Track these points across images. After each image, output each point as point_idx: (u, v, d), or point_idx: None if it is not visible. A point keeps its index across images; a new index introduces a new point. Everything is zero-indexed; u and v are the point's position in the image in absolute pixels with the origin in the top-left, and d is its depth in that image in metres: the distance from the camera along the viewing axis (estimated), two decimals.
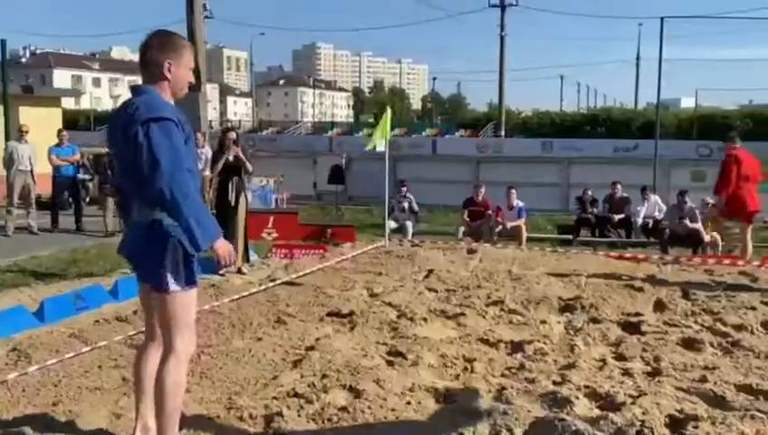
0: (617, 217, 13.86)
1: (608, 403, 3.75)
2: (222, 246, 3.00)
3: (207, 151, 15.19)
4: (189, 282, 2.99)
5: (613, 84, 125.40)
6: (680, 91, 76.86)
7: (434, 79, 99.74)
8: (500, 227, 12.86)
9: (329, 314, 5.56)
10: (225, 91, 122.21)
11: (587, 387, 3.95)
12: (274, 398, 3.84)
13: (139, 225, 2.99)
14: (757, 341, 4.93)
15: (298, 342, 4.81)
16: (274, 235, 12.55)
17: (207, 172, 15.13)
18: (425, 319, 5.38)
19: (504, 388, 4.02)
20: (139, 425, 3.19)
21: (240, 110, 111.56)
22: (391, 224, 13.45)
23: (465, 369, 4.39)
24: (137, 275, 3.21)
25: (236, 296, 6.18)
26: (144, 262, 3.04)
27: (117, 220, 12.37)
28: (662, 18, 15.97)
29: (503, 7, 42.73)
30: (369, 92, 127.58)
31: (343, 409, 3.66)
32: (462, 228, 13.19)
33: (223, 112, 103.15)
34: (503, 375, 4.31)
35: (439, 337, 4.99)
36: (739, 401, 3.74)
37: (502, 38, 42.53)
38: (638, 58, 61.73)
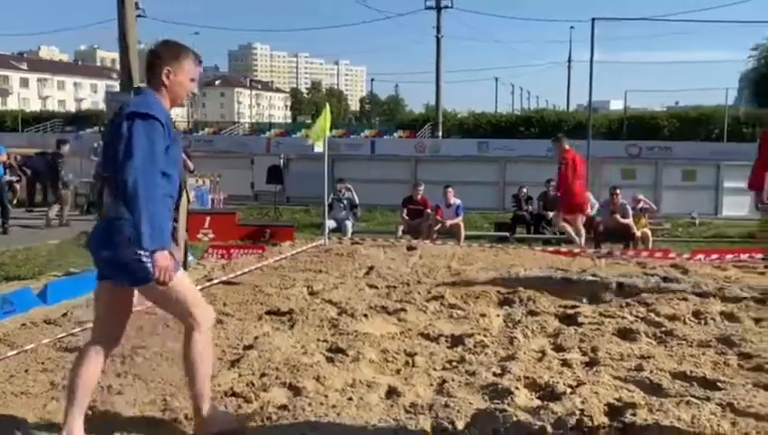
0: (551, 214, 14.14)
1: (548, 393, 3.78)
2: (162, 258, 2.94)
3: None
4: (174, 269, 3.01)
5: (546, 86, 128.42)
6: (610, 93, 79.40)
7: (372, 80, 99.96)
8: (439, 225, 12.96)
9: (268, 313, 5.45)
10: None
11: (527, 378, 3.98)
12: (211, 398, 3.72)
13: (111, 221, 3.01)
14: (690, 330, 5.06)
15: (236, 341, 4.70)
16: (211, 236, 12.31)
17: None
18: (365, 315, 5.33)
19: (445, 381, 4.01)
20: (64, 431, 3.06)
21: (175, 111, 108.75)
22: (330, 223, 13.37)
23: (407, 363, 4.36)
24: (100, 272, 3.15)
25: None
26: (117, 258, 3.01)
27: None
28: (593, 20, 16.37)
29: (438, 9, 43.13)
30: (307, 93, 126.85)
31: (283, 407, 3.58)
32: (401, 227, 13.23)
33: None
34: (444, 368, 4.30)
35: (380, 333, 4.95)
36: (675, 387, 3.82)
37: (438, 40, 42.93)
38: (569, 60, 63.23)
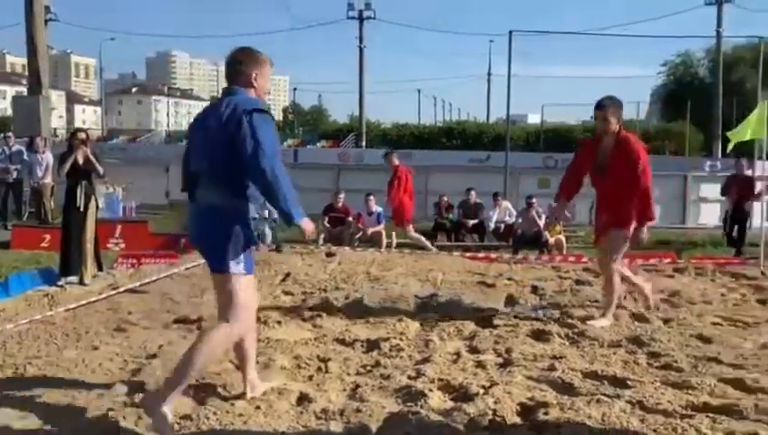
0: (471, 222, 14.31)
1: (461, 395, 3.73)
2: (308, 223, 3.38)
3: (48, 158, 14.17)
4: (248, 269, 3.42)
5: (468, 99, 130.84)
6: (528, 106, 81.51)
7: (294, 89, 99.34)
8: (360, 233, 12.91)
9: (175, 321, 5.22)
10: (73, 98, 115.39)
11: (441, 380, 3.92)
12: (110, 409, 3.49)
13: (204, 208, 3.36)
14: (601, 331, 5.13)
15: (139, 350, 4.45)
16: (122, 245, 11.84)
17: (48, 179, 14.20)
18: (279, 322, 5.17)
19: (358, 386, 3.90)
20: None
21: (89, 118, 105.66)
22: None
23: (320, 369, 4.23)
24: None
25: (73, 305, 5.67)
26: (207, 244, 3.44)
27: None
28: (510, 32, 16.70)
29: (361, 19, 43.30)
30: None
31: (186, 417, 3.39)
32: (322, 235, 13.09)
33: (70, 121, 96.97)
34: (358, 373, 4.19)
35: (294, 339, 4.80)
36: (586, 386, 3.83)
37: (361, 50, 43.08)
38: (489, 74, 64.63)
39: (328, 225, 13.15)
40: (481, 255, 9.20)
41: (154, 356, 4.30)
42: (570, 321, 5.39)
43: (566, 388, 3.84)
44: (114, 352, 4.38)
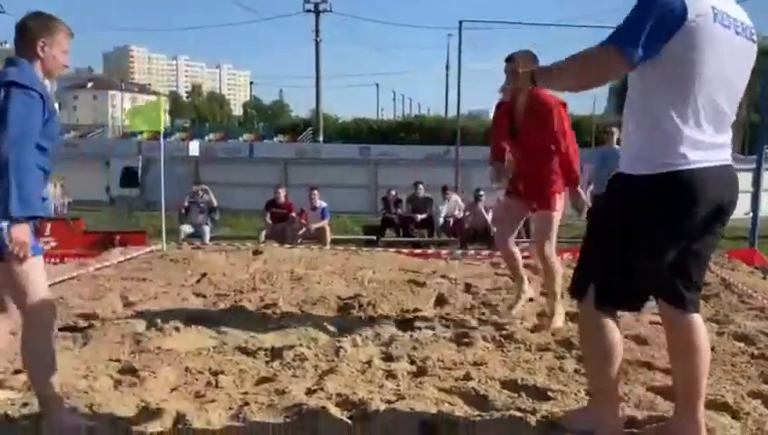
0: (420, 216, 13.95)
1: (360, 412, 3.28)
2: (19, 231, 2.86)
3: None
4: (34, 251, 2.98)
5: (426, 93, 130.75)
6: (490, 101, 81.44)
7: (251, 83, 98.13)
8: (303, 229, 12.46)
9: (62, 329, 4.66)
10: None
11: (339, 395, 3.47)
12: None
13: None
14: (530, 333, 4.74)
15: (6, 363, 3.91)
16: (53, 244, 11.19)
17: None
18: (177, 328, 4.66)
19: (246, 404, 3.43)
20: None
21: None
22: (186, 228, 12.56)
23: (209, 384, 3.75)
24: None
25: None
26: None
27: None
28: (460, 22, 16.38)
29: (317, 12, 42.72)
30: (187, 97, 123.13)
31: None
32: (264, 231, 12.62)
33: None
34: (251, 389, 3.72)
35: (188, 349, 4.30)
36: (501, 399, 3.41)
37: (317, 43, 42.49)
38: (447, 68, 64.39)
39: (270, 221, 12.68)
40: (418, 251, 8.77)
41: (19, 371, 3.75)
42: (500, 322, 5.00)
43: (479, 400, 3.42)
44: None
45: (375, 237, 13.54)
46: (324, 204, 12.70)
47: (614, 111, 49.43)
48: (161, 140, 9.33)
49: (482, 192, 12.65)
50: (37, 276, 3.03)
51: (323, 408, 3.26)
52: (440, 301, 5.74)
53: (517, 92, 4.65)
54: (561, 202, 4.86)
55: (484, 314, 5.30)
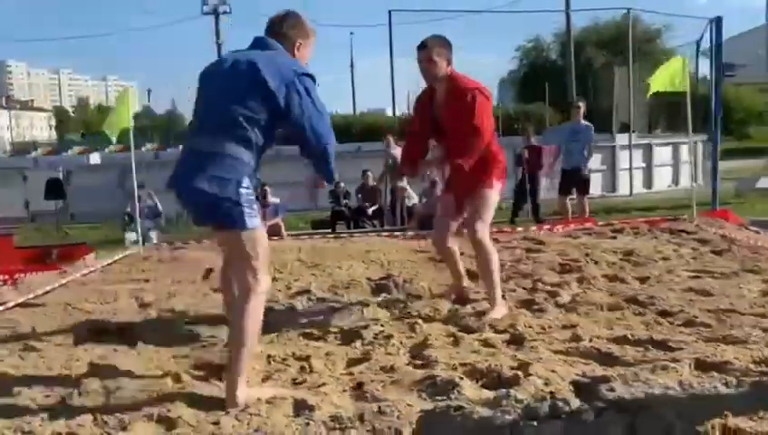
0: (371, 208, 13.74)
1: (496, 380, 3.06)
2: None
3: None
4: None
5: (331, 93, 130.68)
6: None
7: (149, 91, 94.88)
8: None
9: (95, 333, 4.18)
10: None
11: (464, 365, 3.24)
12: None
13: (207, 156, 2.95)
14: (592, 294, 4.66)
15: (63, 370, 3.44)
16: None
17: None
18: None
19: (361, 383, 3.14)
20: None
21: None
22: (132, 236, 11.83)
23: (303, 369, 3.42)
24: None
25: None
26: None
27: None
28: (390, 12, 16.28)
29: (216, 15, 41.67)
30: (73, 112, 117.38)
31: None
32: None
33: None
34: (349, 369, 3.42)
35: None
36: (630, 353, 3.28)
37: (219, 46, 41.38)
38: (351, 66, 64.43)
39: None
40: (410, 234, 8.56)
41: (85, 375, 3.29)
42: (548, 288, 4.88)
43: (608, 358, 3.28)
44: (29, 375, 3.34)
45: (328, 231, 13.23)
46: (277, 200, 12.32)
47: (513, 99, 50.73)
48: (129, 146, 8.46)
49: (437, 178, 12.57)
50: (265, 246, 3.07)
51: (461, 377, 3.02)
52: (471, 275, 5.57)
53: (433, 81, 4.32)
54: (498, 184, 4.45)
55: (525, 283, 5.17)
